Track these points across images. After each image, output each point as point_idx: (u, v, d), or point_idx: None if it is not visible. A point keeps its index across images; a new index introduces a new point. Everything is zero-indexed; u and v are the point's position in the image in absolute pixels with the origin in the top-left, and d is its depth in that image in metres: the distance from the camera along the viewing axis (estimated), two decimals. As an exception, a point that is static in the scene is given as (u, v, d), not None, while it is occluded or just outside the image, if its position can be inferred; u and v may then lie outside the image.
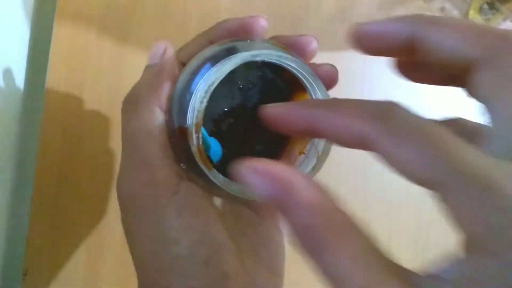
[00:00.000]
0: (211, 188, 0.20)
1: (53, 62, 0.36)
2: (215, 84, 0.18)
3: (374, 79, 0.40)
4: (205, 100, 0.18)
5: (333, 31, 0.38)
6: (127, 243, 0.20)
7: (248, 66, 0.22)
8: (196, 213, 0.19)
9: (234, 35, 0.22)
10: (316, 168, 0.20)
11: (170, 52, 0.22)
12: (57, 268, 0.35)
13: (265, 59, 0.19)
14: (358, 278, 0.11)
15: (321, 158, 0.20)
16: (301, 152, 0.23)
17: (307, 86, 0.20)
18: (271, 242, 0.23)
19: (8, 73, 0.35)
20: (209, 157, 0.20)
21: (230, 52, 0.20)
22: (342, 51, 0.38)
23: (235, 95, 0.23)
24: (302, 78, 0.20)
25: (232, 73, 0.19)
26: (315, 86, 0.20)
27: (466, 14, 0.37)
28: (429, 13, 0.39)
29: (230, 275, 0.20)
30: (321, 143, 0.21)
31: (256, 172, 0.13)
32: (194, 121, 0.18)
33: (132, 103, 0.21)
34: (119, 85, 0.36)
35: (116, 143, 0.36)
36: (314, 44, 0.22)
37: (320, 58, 0.23)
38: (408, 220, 0.39)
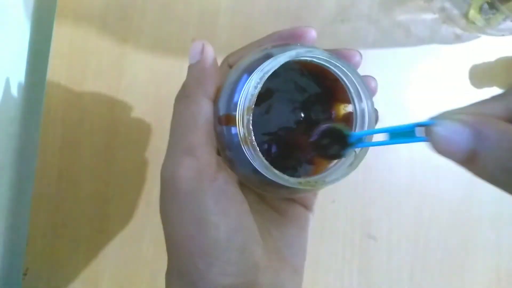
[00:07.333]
0: (246, 178, 0.21)
1: (53, 61, 0.36)
2: (270, 72, 0.19)
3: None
4: (259, 86, 0.19)
5: (333, 31, 0.38)
6: (163, 226, 0.21)
7: (290, 70, 0.23)
8: (232, 202, 0.20)
9: (285, 41, 0.23)
10: (353, 165, 0.21)
11: (208, 48, 0.23)
12: (57, 268, 0.35)
13: (318, 57, 0.20)
14: None
15: (359, 156, 0.21)
16: None
17: (351, 92, 0.21)
18: (294, 243, 0.24)
19: (8, 73, 0.35)
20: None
21: (282, 50, 0.20)
22: (342, 51, 0.38)
23: (277, 97, 0.23)
24: (348, 84, 0.21)
25: (275, 75, 0.19)
26: (361, 93, 0.21)
27: (466, 13, 0.37)
28: (429, 13, 0.39)
29: (260, 266, 0.20)
30: None
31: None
32: (247, 105, 0.19)
33: (182, 97, 0.22)
34: (119, 85, 0.36)
35: (116, 142, 0.36)
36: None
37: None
38: (408, 220, 0.39)
